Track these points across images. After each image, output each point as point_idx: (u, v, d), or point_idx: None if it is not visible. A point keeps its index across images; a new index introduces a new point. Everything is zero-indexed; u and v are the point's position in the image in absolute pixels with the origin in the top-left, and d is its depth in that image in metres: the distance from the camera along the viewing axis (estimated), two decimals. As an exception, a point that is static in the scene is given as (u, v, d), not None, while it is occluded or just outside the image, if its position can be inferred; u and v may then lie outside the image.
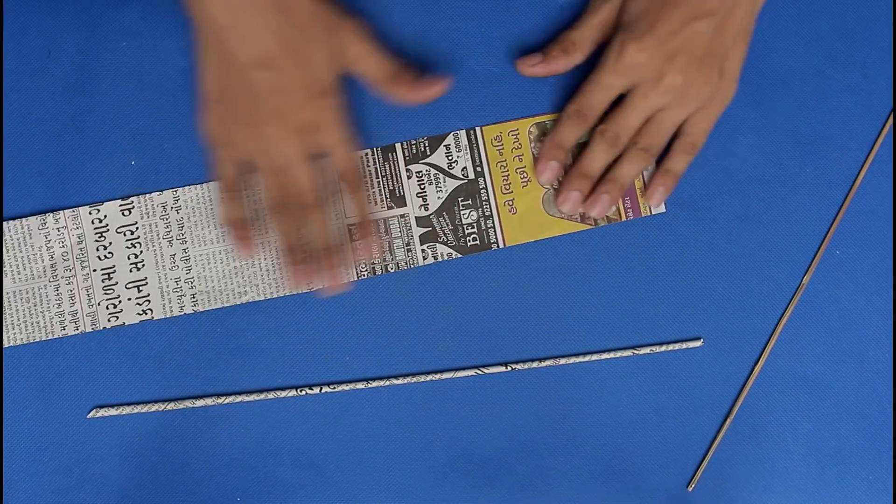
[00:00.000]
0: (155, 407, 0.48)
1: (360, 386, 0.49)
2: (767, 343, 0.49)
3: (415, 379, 0.49)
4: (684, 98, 0.45)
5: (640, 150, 0.47)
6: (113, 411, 0.48)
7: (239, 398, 0.48)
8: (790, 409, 0.49)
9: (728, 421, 0.49)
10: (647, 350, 0.49)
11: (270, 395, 0.48)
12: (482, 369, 0.49)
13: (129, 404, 0.48)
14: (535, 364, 0.49)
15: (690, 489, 0.48)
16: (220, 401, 0.48)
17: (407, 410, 0.49)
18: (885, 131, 0.50)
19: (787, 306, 0.49)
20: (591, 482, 0.49)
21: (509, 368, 0.49)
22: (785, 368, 0.49)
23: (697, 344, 0.49)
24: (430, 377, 0.49)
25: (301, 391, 0.48)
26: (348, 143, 0.46)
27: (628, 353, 0.49)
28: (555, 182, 0.49)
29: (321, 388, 0.48)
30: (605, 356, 0.49)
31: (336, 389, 0.49)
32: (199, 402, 0.48)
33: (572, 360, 0.49)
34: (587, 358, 0.49)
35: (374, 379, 0.49)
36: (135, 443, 0.48)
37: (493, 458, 0.49)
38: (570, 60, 0.48)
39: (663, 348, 0.49)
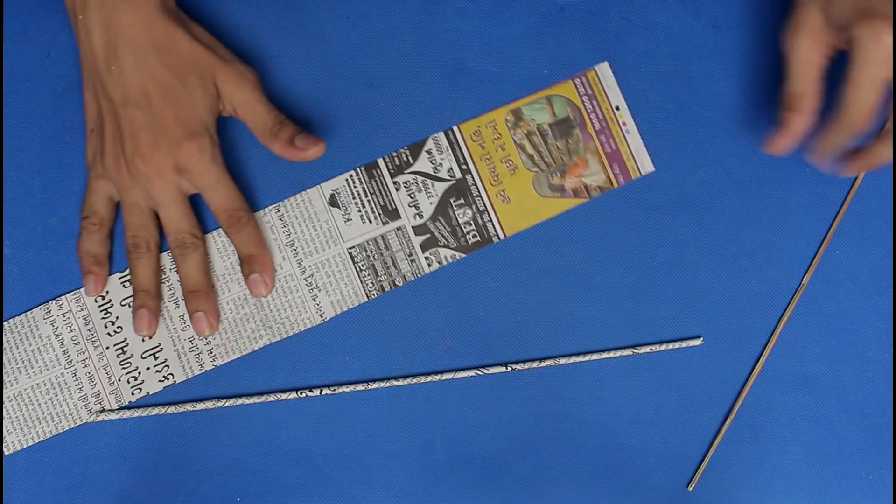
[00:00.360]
0: (156, 410, 0.48)
1: (361, 388, 0.49)
2: (767, 343, 0.49)
3: (415, 380, 0.49)
4: None
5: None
6: (113, 415, 0.48)
7: (239, 401, 0.48)
8: (790, 409, 0.49)
9: (728, 421, 0.49)
10: (646, 349, 0.49)
11: (271, 398, 0.48)
12: (482, 369, 0.49)
13: (129, 408, 0.48)
14: (534, 364, 0.49)
15: (690, 489, 0.48)
16: (220, 403, 0.48)
17: (407, 410, 0.49)
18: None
19: (787, 306, 0.49)
20: (590, 482, 0.49)
21: (509, 368, 0.49)
22: (785, 368, 0.49)
23: (697, 343, 0.49)
24: (430, 378, 0.49)
25: (301, 393, 0.48)
26: (222, 184, 0.46)
27: (628, 352, 0.49)
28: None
29: (321, 391, 0.48)
30: (604, 356, 0.49)
31: (336, 391, 0.49)
32: (200, 406, 0.48)
33: (572, 360, 0.49)
34: (587, 357, 0.49)
35: (374, 380, 0.49)
36: (135, 443, 0.48)
37: (493, 457, 0.49)
38: (805, 115, 0.45)
39: (663, 347, 0.49)
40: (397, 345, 0.49)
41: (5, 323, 0.48)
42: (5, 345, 0.48)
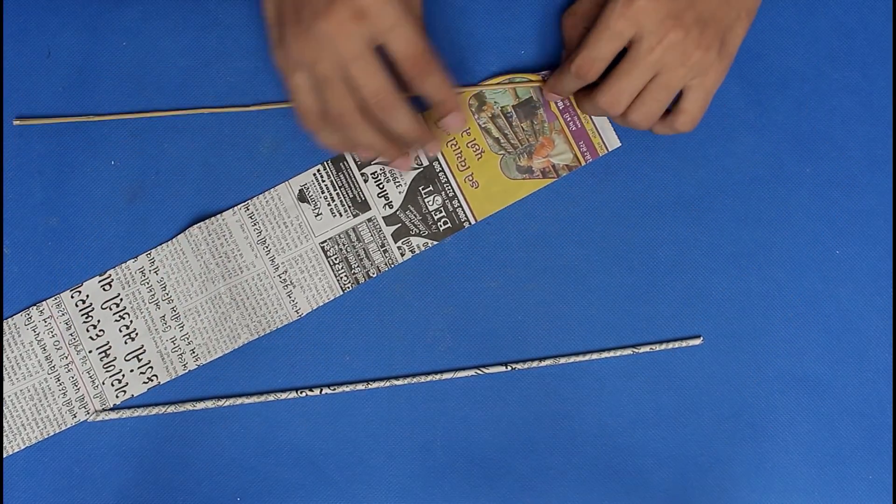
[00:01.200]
0: (156, 410, 0.48)
1: (361, 387, 0.49)
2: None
3: (415, 380, 0.49)
4: (685, 59, 0.43)
5: (636, 122, 0.45)
6: (113, 415, 0.48)
7: (239, 401, 0.48)
8: (790, 409, 0.49)
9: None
10: (647, 349, 0.49)
11: (271, 398, 0.48)
12: (482, 369, 0.49)
13: (129, 408, 0.48)
14: (534, 364, 0.49)
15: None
16: (220, 403, 0.48)
17: (407, 410, 0.49)
18: None
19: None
20: (590, 482, 0.49)
21: (509, 368, 0.49)
22: (785, 368, 0.49)
23: (697, 342, 0.49)
24: (430, 378, 0.49)
25: (301, 393, 0.48)
26: (402, 25, 0.42)
27: (628, 351, 0.49)
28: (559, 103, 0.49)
29: (321, 390, 0.48)
30: (604, 355, 0.49)
31: (336, 391, 0.49)
32: (200, 405, 0.48)
33: (572, 359, 0.49)
34: (587, 357, 0.49)
35: (374, 380, 0.49)
36: (135, 443, 0.48)
37: (493, 457, 0.49)
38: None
39: (663, 346, 0.49)
40: (397, 345, 0.49)
41: None
42: None
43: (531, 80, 0.49)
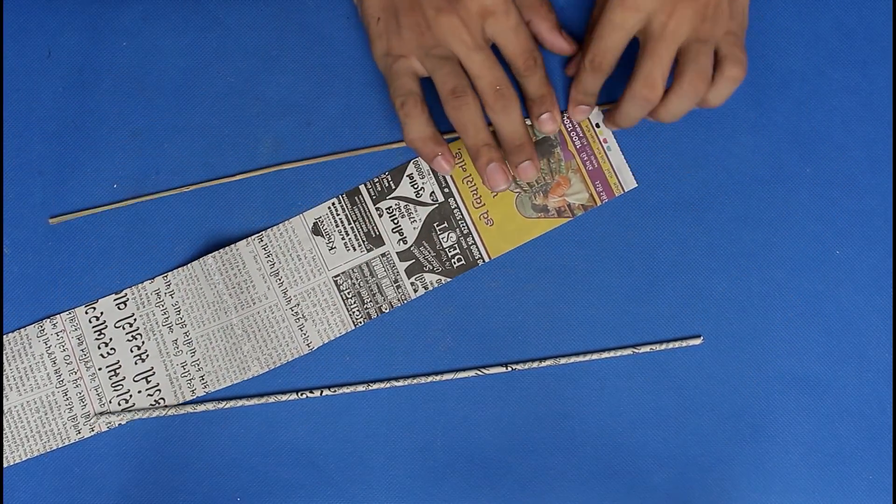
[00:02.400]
0: (156, 413, 0.48)
1: (361, 388, 0.49)
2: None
3: (415, 381, 0.49)
4: (703, 25, 0.43)
5: (690, 90, 0.44)
6: (115, 419, 0.48)
7: (240, 402, 0.48)
8: (790, 409, 0.49)
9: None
10: (647, 349, 0.49)
11: (271, 399, 0.48)
12: (482, 370, 0.49)
13: (130, 410, 0.48)
14: (534, 364, 0.49)
15: None
16: (221, 405, 0.48)
17: (407, 410, 0.49)
18: None
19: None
20: (590, 482, 0.49)
21: (509, 369, 0.49)
22: (785, 368, 0.49)
23: (697, 342, 0.49)
24: (430, 379, 0.49)
25: (301, 394, 0.48)
26: (522, 26, 0.45)
27: (628, 351, 0.49)
28: (585, 118, 0.48)
29: (321, 392, 0.48)
30: (604, 355, 0.49)
31: (336, 392, 0.49)
32: (201, 408, 0.48)
33: (572, 359, 0.49)
34: (587, 357, 0.49)
35: (374, 381, 0.49)
36: (135, 443, 0.48)
37: (493, 458, 0.49)
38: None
39: (663, 346, 0.49)
40: (397, 345, 0.49)
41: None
42: None
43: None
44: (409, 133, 0.45)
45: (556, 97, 0.47)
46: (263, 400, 0.48)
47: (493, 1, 0.43)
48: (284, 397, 0.48)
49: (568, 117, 0.49)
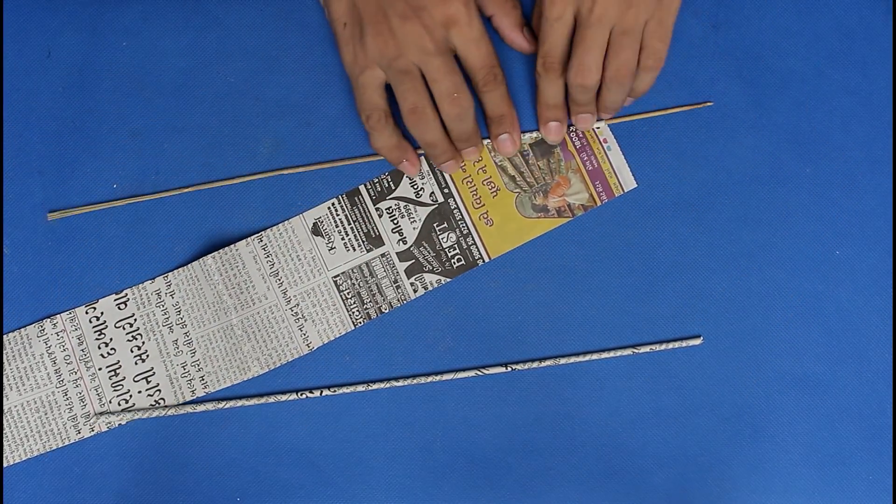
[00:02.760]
0: (156, 413, 0.48)
1: (361, 388, 0.49)
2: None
3: (415, 381, 0.49)
4: (628, 11, 0.44)
5: (614, 82, 0.46)
6: (114, 419, 0.48)
7: (240, 402, 0.48)
8: (790, 410, 0.49)
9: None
10: (647, 349, 0.49)
11: (271, 399, 0.48)
12: (482, 370, 0.49)
13: (130, 410, 0.48)
14: (534, 364, 0.49)
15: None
16: (220, 405, 0.48)
17: (407, 410, 0.49)
18: None
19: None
20: (590, 482, 0.49)
21: (509, 369, 0.49)
22: (785, 368, 0.49)
23: (697, 342, 0.49)
24: (430, 379, 0.49)
25: (301, 395, 0.48)
26: (484, 39, 0.45)
27: (628, 351, 0.49)
28: (562, 138, 0.49)
29: (321, 392, 0.48)
30: (604, 355, 0.49)
31: (336, 392, 0.49)
32: (200, 408, 0.48)
33: (572, 359, 0.49)
34: (587, 357, 0.49)
35: (374, 381, 0.49)
36: (135, 443, 0.48)
37: (493, 458, 0.49)
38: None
39: (663, 347, 0.49)
40: (397, 344, 0.49)
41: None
42: None
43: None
44: (375, 142, 0.47)
45: (518, 117, 0.48)
46: (263, 400, 0.48)
47: (457, 10, 0.44)
48: (284, 397, 0.48)
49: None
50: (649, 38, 0.45)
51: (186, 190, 0.49)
